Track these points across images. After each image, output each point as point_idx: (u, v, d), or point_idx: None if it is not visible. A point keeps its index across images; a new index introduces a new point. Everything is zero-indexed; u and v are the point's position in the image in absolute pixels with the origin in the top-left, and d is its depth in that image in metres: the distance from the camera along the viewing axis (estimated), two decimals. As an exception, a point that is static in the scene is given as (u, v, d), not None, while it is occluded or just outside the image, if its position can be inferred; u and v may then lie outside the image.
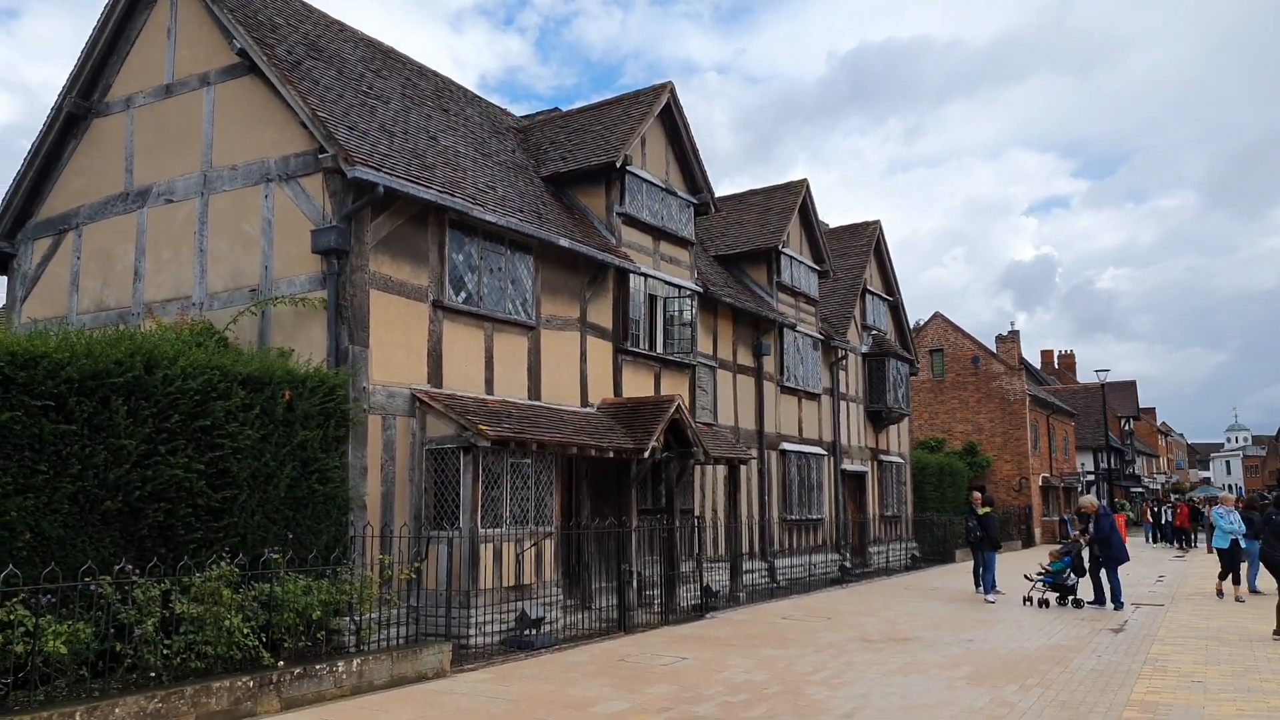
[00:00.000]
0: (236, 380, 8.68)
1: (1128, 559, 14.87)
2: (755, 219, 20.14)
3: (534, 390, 12.67)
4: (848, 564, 19.52)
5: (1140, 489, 64.35)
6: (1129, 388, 68.62)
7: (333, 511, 9.52)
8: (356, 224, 10.41)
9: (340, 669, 7.99)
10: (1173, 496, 61.50)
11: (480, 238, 11.96)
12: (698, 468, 15.40)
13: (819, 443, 20.85)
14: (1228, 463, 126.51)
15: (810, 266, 20.87)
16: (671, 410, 13.31)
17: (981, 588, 16.83)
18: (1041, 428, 38.66)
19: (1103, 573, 14.60)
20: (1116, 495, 56.05)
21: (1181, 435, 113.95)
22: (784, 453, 19.11)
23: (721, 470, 16.64)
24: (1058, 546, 15.54)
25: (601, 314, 14.18)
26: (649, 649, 10.51)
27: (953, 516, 26.71)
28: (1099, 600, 14.50)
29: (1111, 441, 55.60)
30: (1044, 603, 14.83)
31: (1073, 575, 14.88)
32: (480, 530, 10.40)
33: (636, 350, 14.65)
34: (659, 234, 15.56)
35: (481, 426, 10.38)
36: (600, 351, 14.09)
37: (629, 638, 11.42)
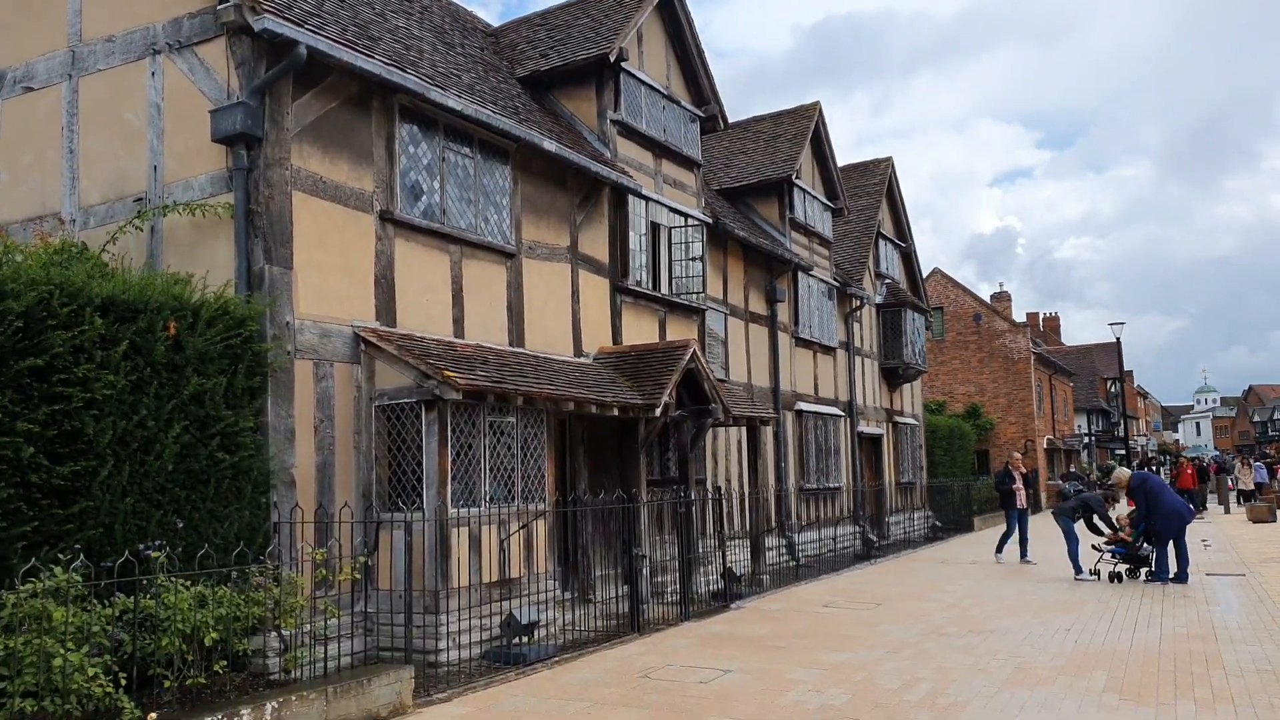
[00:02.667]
0: (90, 304, 6.01)
1: (1189, 519, 12.65)
2: (763, 148, 17.57)
3: (516, 334, 10.08)
4: (872, 537, 17.25)
5: (1123, 451, 63.29)
6: (1112, 349, 67.37)
7: (246, 490, 6.91)
8: (273, 102, 7.70)
9: (246, 717, 5.42)
10: (1165, 457, 60.37)
11: (442, 134, 9.28)
12: (712, 430, 12.92)
13: (835, 402, 18.49)
14: (1198, 424, 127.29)
15: (824, 203, 18.38)
16: (686, 359, 10.79)
17: (1029, 557, 15.23)
18: (1045, 388, 36.79)
19: (1169, 545, 12.44)
20: (1103, 458, 54.77)
21: (1156, 398, 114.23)
22: (800, 413, 16.72)
23: (735, 433, 14.20)
24: (1126, 512, 13.32)
25: (595, 244, 11.58)
26: (676, 657, 8.07)
27: (970, 481, 24.62)
28: (1159, 575, 12.35)
29: (1102, 403, 54.23)
30: (1116, 576, 12.65)
31: (1145, 545, 12.71)
32: (451, 510, 7.85)
33: (638, 289, 12.08)
34: (661, 150, 12.95)
35: (449, 373, 7.78)
36: (595, 289, 11.50)
37: (644, 640, 8.98)
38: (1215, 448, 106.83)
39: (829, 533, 17.19)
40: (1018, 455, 17.21)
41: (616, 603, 10.04)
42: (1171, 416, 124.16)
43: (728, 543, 12.87)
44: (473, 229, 9.53)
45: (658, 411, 10.21)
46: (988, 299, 41.18)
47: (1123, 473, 13.14)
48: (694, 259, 12.86)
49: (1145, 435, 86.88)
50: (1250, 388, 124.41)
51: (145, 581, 5.51)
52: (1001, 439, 34.38)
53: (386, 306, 8.54)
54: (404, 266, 8.76)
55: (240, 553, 6.30)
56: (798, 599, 11.69)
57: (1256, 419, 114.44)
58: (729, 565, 11.61)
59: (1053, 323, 71.11)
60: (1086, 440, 45.47)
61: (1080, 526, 13.51)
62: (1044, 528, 19.63)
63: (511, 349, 9.87)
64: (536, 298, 10.45)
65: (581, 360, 10.98)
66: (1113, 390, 60.53)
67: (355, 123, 8.45)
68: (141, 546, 5.71)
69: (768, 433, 15.22)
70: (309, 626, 6.68)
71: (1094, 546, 13.15)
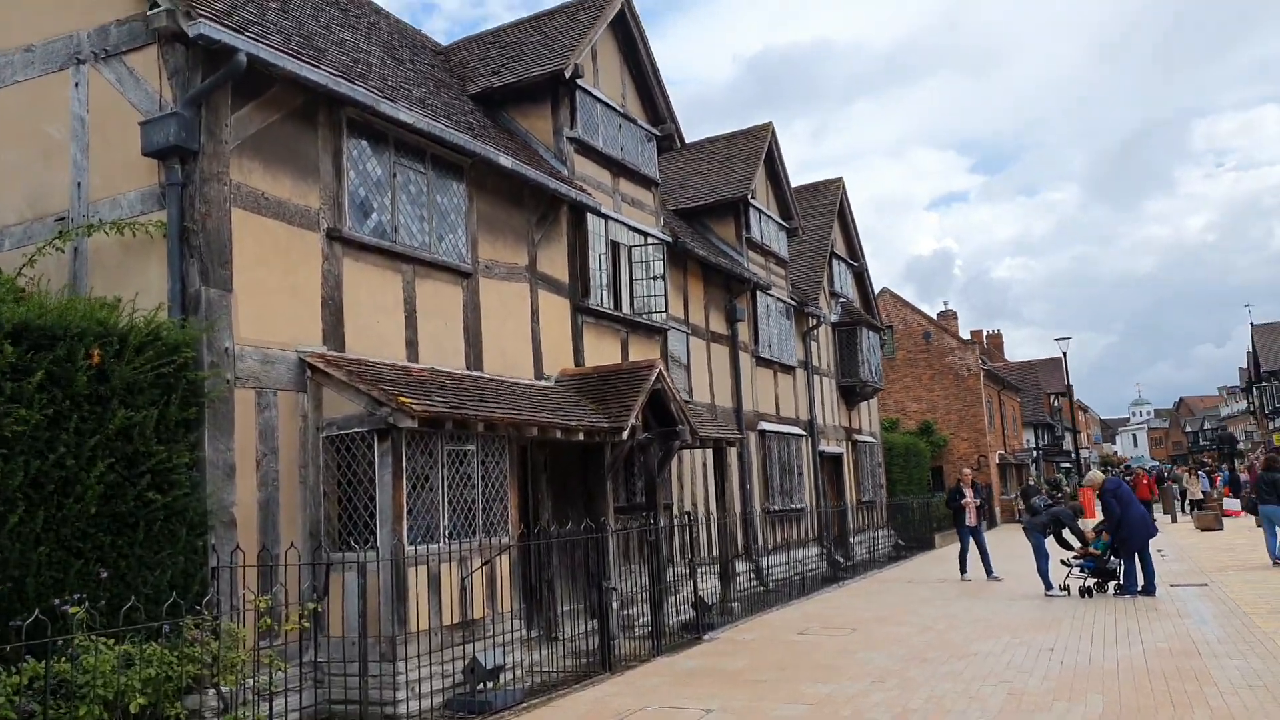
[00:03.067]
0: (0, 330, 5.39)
1: (1153, 534, 12.68)
2: (717, 168, 17.41)
3: (473, 357, 9.58)
4: (839, 558, 16.99)
5: (1068, 464, 64.48)
6: (1057, 364, 68.99)
7: (180, 533, 6.29)
8: (210, 114, 7.16)
9: (182, 793, 4.81)
10: (1110, 468, 61.63)
11: (393, 150, 8.81)
12: (677, 453, 12.51)
13: (796, 422, 18.26)
14: (1134, 436, 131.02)
15: (779, 223, 18.27)
16: (652, 379, 10.41)
17: (996, 573, 14.99)
18: (994, 404, 37.25)
19: (1136, 557, 12.38)
20: (1049, 472, 55.77)
21: (1095, 412, 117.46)
22: (763, 434, 16.43)
23: (700, 455, 13.83)
24: (1092, 525, 13.27)
25: (554, 263, 11.17)
26: (652, 697, 7.59)
27: (929, 498, 24.62)
28: (1127, 588, 12.28)
29: (1047, 417, 55.31)
30: (1086, 591, 12.52)
31: (1113, 558, 12.63)
32: (408, 548, 7.29)
33: (599, 309, 11.69)
34: (618, 169, 12.63)
35: (403, 399, 7.27)
36: (555, 310, 11.07)
37: (617, 679, 8.47)
38: (1151, 458, 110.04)
39: (795, 555, 16.88)
40: (969, 471, 17.17)
41: (585, 639, 9.53)
42: (1109, 429, 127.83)
43: (696, 570, 12.43)
44: (426, 248, 9.04)
45: (625, 435, 9.79)
46: (948, 309, 41.85)
47: (1097, 476, 13.04)
48: (655, 278, 12.52)
49: (1087, 448, 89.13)
50: (1181, 399, 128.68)
51: (60, 642, 4.88)
52: (955, 455, 34.63)
53: (335, 330, 8.00)
54: (353, 287, 8.23)
55: (173, 604, 5.68)
56: (771, 627, 11.30)
57: (1188, 429, 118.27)
58: (700, 594, 11.18)
59: (996, 340, 72.52)
60: (1035, 455, 46.20)
61: (1049, 541, 13.40)
62: (1008, 543, 19.64)
63: (469, 372, 9.37)
64: (495, 319, 9.98)
65: (543, 383, 10.52)
66: (1055, 405, 61.92)
67: (300, 137, 7.94)
68: (57, 602, 5.09)
69: (732, 454, 14.89)
70: (252, 682, 6.07)
71: (1062, 561, 13.04)
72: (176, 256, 6.92)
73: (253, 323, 7.28)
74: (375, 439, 7.35)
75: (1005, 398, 39.86)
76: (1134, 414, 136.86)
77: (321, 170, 8.09)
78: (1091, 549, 12.72)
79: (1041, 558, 13.18)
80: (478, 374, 9.50)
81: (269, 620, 6.07)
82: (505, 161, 9.75)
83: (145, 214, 7.17)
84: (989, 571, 15.16)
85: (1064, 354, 29.95)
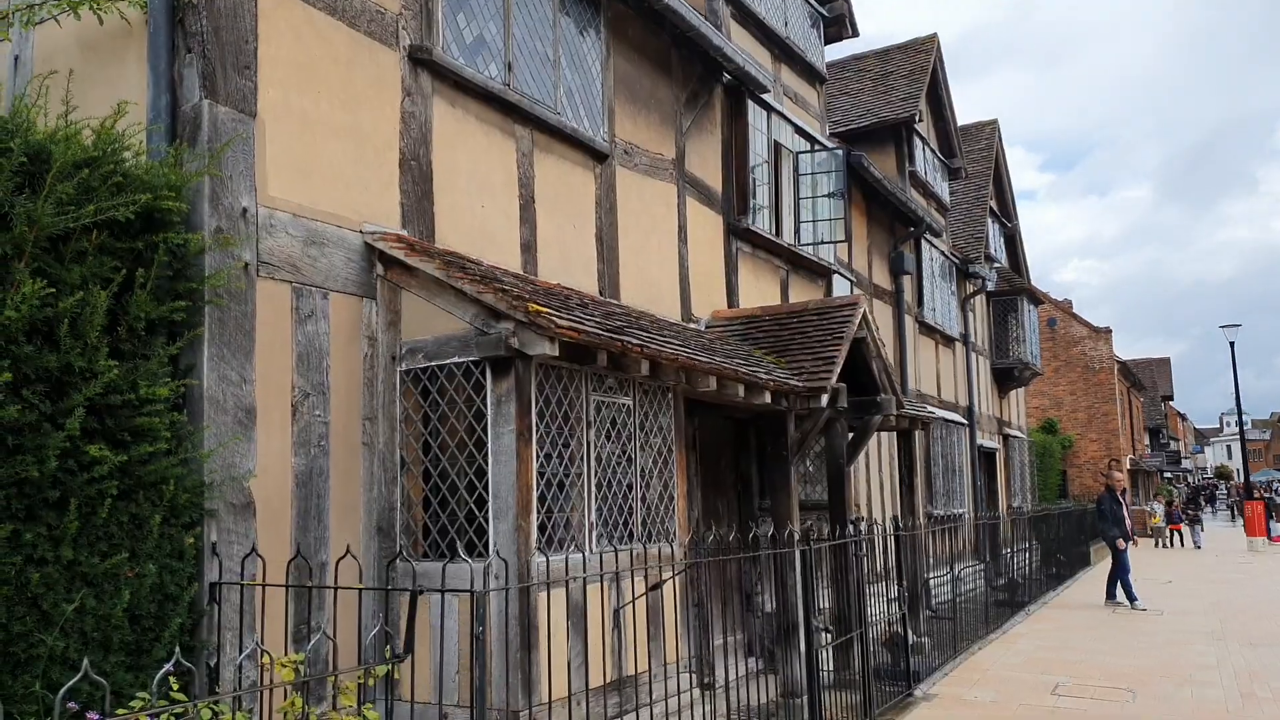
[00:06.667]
0: None
1: None
2: (870, 88, 14.16)
3: (608, 278, 6.59)
4: (1018, 580, 13.64)
5: (1170, 474, 59.30)
6: (1164, 365, 63.78)
7: (151, 521, 3.42)
8: None
9: None
10: (1221, 483, 56.41)
11: (509, -48, 5.85)
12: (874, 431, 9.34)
13: (956, 407, 14.94)
14: (1228, 446, 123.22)
15: (941, 160, 14.94)
16: (855, 325, 7.27)
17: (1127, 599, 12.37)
18: (1125, 402, 33.16)
19: None
20: (1156, 482, 50.98)
21: (1191, 421, 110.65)
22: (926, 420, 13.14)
23: (872, 441, 10.63)
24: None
25: (706, 163, 8.12)
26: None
27: (1086, 507, 20.98)
28: None
29: (1164, 422, 50.54)
30: None
31: None
32: (537, 558, 4.31)
33: (759, 233, 8.59)
34: (781, 51, 9.53)
35: (537, 307, 4.28)
36: (706, 228, 8.03)
37: (836, 772, 5.40)
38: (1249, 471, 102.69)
39: (955, 573, 13.56)
40: (1120, 475, 13.85)
41: (744, 687, 6.49)
42: (1204, 439, 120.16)
43: (867, 592, 9.23)
44: (549, 105, 6.06)
45: (824, 400, 6.69)
46: (1061, 300, 37.67)
47: None
48: (832, 195, 9.35)
49: (1187, 457, 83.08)
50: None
51: None
52: (1081, 458, 30.71)
53: (419, 207, 5.07)
54: (448, 147, 5.30)
55: (137, 647, 2.75)
56: (995, 677, 8.09)
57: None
58: (893, 628, 8.04)
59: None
60: (1162, 460, 41.72)
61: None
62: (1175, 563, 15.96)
63: (604, 299, 6.38)
64: (635, 228, 6.97)
65: (693, 326, 7.49)
66: (1162, 410, 56.80)
67: (371, -104, 5.02)
68: None
69: (903, 442, 11.65)
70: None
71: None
72: (163, 48, 4.05)
73: (290, 176, 4.39)
74: (489, 374, 4.38)
75: (1133, 396, 35.69)
76: (1227, 424, 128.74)
77: (405, -43, 5.16)
78: None
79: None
80: (613, 302, 6.51)
81: (298, 702, 3.13)
82: (663, -7, 6.71)
83: (120, -11, 4.32)
84: (1112, 595, 12.76)
85: (1231, 344, 25.70)
